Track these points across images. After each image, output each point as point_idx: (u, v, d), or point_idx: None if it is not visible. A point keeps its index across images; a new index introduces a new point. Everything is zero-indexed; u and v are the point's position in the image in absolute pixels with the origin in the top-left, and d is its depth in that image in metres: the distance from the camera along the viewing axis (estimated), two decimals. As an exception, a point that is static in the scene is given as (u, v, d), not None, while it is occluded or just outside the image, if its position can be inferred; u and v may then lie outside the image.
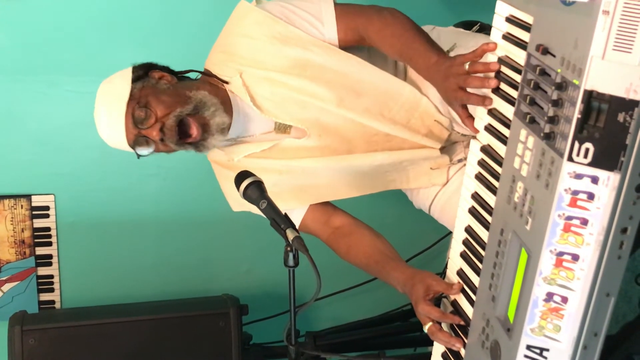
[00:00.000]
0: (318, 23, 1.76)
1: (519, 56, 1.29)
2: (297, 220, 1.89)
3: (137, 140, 1.74)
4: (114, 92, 1.75)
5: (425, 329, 1.54)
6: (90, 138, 2.70)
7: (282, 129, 1.82)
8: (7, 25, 2.58)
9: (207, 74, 1.85)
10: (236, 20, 1.82)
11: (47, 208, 2.80)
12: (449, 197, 1.87)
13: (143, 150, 1.76)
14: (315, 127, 1.80)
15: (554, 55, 1.15)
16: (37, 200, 2.79)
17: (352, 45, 1.79)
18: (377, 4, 1.78)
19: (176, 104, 1.73)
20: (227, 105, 1.78)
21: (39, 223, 2.81)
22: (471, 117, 1.49)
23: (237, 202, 1.92)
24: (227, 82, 1.81)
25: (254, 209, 1.83)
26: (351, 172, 1.87)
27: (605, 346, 1.20)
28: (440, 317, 1.52)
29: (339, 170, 1.85)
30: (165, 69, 1.85)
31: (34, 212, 2.79)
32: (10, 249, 2.81)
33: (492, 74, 1.38)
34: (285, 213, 1.51)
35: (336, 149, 1.83)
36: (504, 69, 1.35)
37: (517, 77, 1.28)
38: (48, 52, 2.63)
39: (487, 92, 1.41)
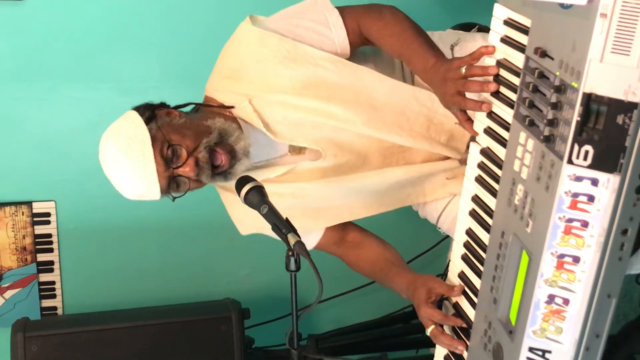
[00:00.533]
0: (326, 30, 1.71)
1: (518, 59, 1.29)
2: (312, 244, 1.90)
3: (170, 182, 1.65)
4: (132, 139, 1.62)
5: (428, 332, 1.56)
6: (90, 144, 2.70)
7: (297, 150, 1.78)
8: (7, 30, 2.59)
9: (208, 105, 1.77)
10: (239, 43, 1.74)
11: (48, 214, 2.80)
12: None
13: (177, 192, 1.67)
14: (331, 147, 1.76)
15: (552, 58, 1.15)
16: (38, 207, 2.79)
17: (359, 46, 1.77)
18: (377, 3, 1.76)
19: (201, 135, 1.65)
20: (242, 131, 1.73)
21: (40, 230, 2.81)
22: (470, 121, 1.48)
23: (246, 226, 1.92)
24: (232, 107, 1.74)
25: (262, 230, 1.83)
26: (367, 191, 1.84)
27: (607, 346, 1.20)
28: (442, 320, 1.53)
29: (354, 189, 1.82)
30: (165, 106, 1.75)
31: (35, 219, 2.80)
32: (12, 256, 2.82)
33: (491, 78, 1.37)
34: (287, 218, 1.51)
35: (352, 166, 1.80)
36: (503, 72, 1.35)
37: (516, 80, 1.28)
38: (48, 57, 2.64)
39: (487, 95, 1.41)
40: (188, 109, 1.82)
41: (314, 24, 1.71)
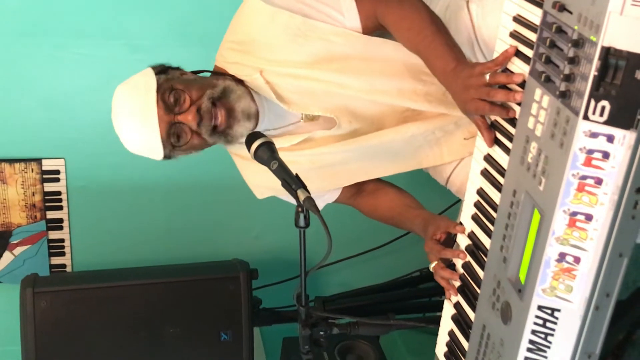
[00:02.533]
0: (338, 15, 1.68)
1: (535, 14, 1.27)
2: (331, 200, 1.94)
3: (171, 130, 1.65)
4: (138, 85, 1.65)
5: (431, 267, 1.62)
6: (100, 102, 2.69)
7: (310, 117, 1.78)
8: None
9: (221, 72, 1.77)
10: (249, 19, 1.72)
11: (57, 172, 2.81)
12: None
13: (177, 142, 1.67)
14: (345, 115, 1.76)
15: (570, 12, 1.13)
16: (47, 164, 2.80)
17: (373, 31, 1.72)
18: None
19: (206, 87, 1.66)
20: (250, 96, 1.72)
21: (49, 187, 2.82)
22: (490, 129, 1.42)
23: (261, 190, 1.94)
24: (243, 81, 1.74)
25: (277, 193, 1.88)
26: (383, 150, 1.84)
27: (615, 311, 1.20)
28: (440, 252, 1.58)
29: (370, 150, 1.82)
30: (180, 69, 1.77)
31: (44, 176, 2.80)
32: (22, 213, 2.83)
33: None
34: (296, 174, 1.50)
35: (367, 131, 1.80)
36: (520, 28, 1.32)
37: (533, 36, 1.26)
38: (57, 14, 2.62)
39: None
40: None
41: (326, 7, 1.68)
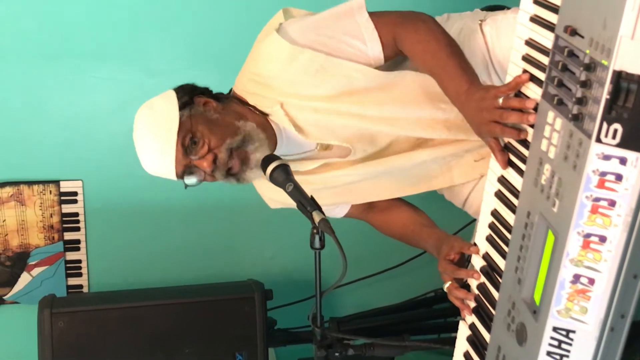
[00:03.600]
0: (360, 44, 1.68)
1: (547, 38, 1.28)
2: (341, 214, 1.96)
3: (186, 170, 1.69)
4: (162, 119, 1.68)
5: (445, 287, 1.62)
6: (117, 125, 2.75)
7: (325, 146, 1.79)
8: (35, 10, 2.61)
9: (245, 102, 1.78)
10: (269, 55, 1.71)
11: (75, 194, 2.84)
12: None
13: (192, 179, 1.70)
14: (360, 143, 1.77)
15: (582, 36, 1.14)
16: (65, 186, 2.83)
17: (394, 57, 1.73)
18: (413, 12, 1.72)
19: (226, 136, 1.68)
20: (270, 136, 1.74)
21: (67, 208, 2.85)
22: (504, 151, 1.43)
23: (274, 201, 1.95)
24: (267, 114, 1.75)
25: (290, 205, 1.85)
26: (394, 173, 1.85)
27: (631, 332, 1.20)
28: (454, 272, 1.59)
29: (382, 172, 1.83)
30: (207, 92, 1.79)
31: (62, 198, 2.84)
32: (40, 234, 2.86)
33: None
34: (312, 196, 1.52)
35: (380, 154, 1.82)
36: (532, 52, 1.34)
37: (545, 60, 1.27)
38: (75, 38, 2.67)
39: None
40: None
41: (349, 37, 1.68)
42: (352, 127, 1.74)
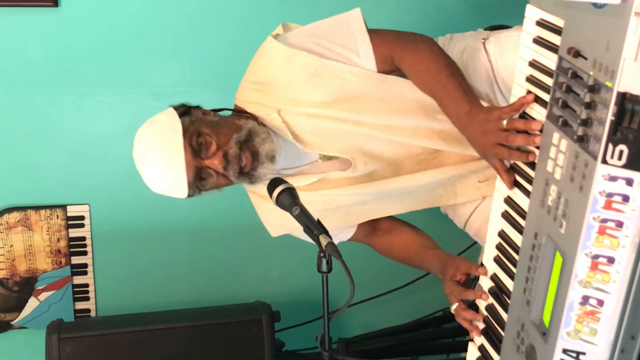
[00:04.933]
0: (355, 58, 1.69)
1: (551, 60, 1.29)
2: (345, 238, 1.94)
3: (197, 174, 1.66)
4: (164, 128, 1.66)
5: (452, 309, 1.61)
6: (123, 149, 2.74)
7: (327, 157, 1.79)
8: (42, 37, 2.64)
9: (240, 110, 1.79)
10: (267, 59, 1.73)
11: (82, 218, 2.85)
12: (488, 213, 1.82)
13: (203, 185, 1.69)
14: (360, 156, 1.76)
15: (585, 58, 1.15)
16: (72, 210, 2.84)
17: (388, 73, 1.73)
18: (413, 32, 1.73)
19: (232, 132, 1.68)
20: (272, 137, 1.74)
21: (74, 233, 2.86)
22: (509, 172, 1.43)
23: (275, 228, 1.94)
24: (262, 118, 1.75)
25: (292, 231, 1.87)
26: (398, 194, 1.84)
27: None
28: (462, 293, 1.58)
29: (385, 193, 1.82)
30: (201, 108, 1.78)
31: (69, 222, 2.84)
32: (47, 259, 2.87)
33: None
34: (318, 219, 1.52)
35: (382, 174, 1.81)
36: (536, 73, 1.34)
37: (549, 81, 1.28)
38: (81, 63, 2.69)
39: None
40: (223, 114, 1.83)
41: (342, 49, 1.70)
42: (350, 135, 1.73)
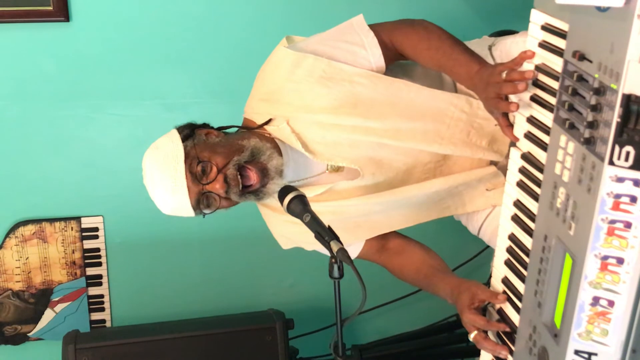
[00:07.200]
0: (362, 50, 1.71)
1: (556, 63, 1.30)
2: (354, 255, 1.91)
3: (200, 198, 1.69)
4: (167, 155, 1.69)
5: (471, 337, 1.56)
6: (136, 160, 2.77)
7: (335, 168, 1.79)
8: (54, 51, 2.68)
9: (250, 127, 1.79)
10: (275, 67, 1.75)
11: (96, 229, 2.87)
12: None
13: (208, 209, 1.71)
14: (369, 165, 1.77)
15: (590, 61, 1.16)
16: (86, 222, 2.87)
17: (393, 61, 1.76)
18: (406, 18, 1.76)
19: (233, 154, 1.68)
20: (277, 150, 1.74)
21: (88, 244, 2.88)
22: (511, 126, 1.48)
23: (286, 241, 1.94)
24: (270, 120, 1.76)
25: (302, 244, 1.88)
26: (406, 204, 1.84)
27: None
28: (485, 325, 1.54)
29: (393, 203, 1.82)
30: (207, 126, 1.80)
31: (83, 234, 2.87)
32: (62, 270, 2.89)
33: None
34: (329, 225, 1.53)
35: (391, 184, 1.81)
36: (542, 77, 1.36)
37: (555, 84, 1.29)
38: (94, 77, 2.72)
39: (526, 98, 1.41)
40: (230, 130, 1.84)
41: (349, 45, 1.71)
42: (359, 144, 1.74)
